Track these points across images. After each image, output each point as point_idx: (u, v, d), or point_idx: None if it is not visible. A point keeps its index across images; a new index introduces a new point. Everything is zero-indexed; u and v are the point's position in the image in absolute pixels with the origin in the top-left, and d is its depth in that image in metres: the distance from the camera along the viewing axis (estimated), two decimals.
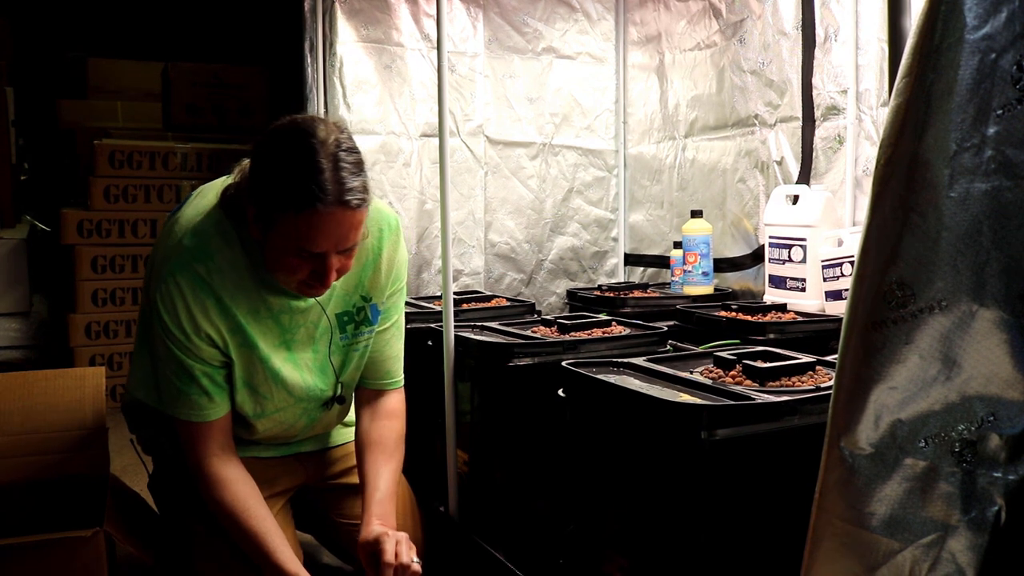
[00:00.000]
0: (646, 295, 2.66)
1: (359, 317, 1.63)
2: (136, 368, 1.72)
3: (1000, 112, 0.87)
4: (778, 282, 2.34)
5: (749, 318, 2.09)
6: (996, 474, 0.91)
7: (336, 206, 1.35)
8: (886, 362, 0.92)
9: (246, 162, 1.49)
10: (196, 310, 1.46)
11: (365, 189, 1.40)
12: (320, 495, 1.81)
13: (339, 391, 1.68)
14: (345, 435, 1.87)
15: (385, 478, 1.62)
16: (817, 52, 2.33)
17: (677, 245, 2.71)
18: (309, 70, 2.76)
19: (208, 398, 1.53)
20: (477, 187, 3.05)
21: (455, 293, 2.61)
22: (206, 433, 1.54)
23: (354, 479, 1.77)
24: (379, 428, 1.69)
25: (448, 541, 1.98)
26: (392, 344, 1.73)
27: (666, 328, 1.97)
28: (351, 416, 1.92)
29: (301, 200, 1.34)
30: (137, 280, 3.97)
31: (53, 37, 4.94)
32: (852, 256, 2.07)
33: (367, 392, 1.73)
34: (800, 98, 2.39)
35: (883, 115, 2.04)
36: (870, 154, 2.20)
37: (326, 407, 1.68)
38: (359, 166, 1.41)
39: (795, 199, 2.32)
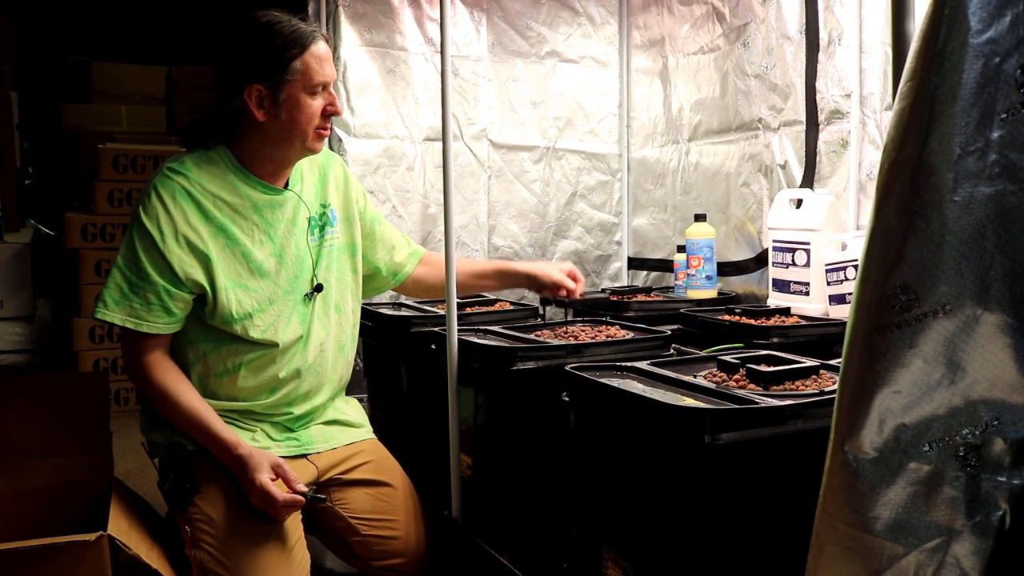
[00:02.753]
0: (649, 299, 2.66)
1: (322, 221, 1.90)
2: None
3: (1004, 116, 0.87)
4: (782, 286, 2.34)
5: (753, 322, 2.09)
6: (1000, 478, 0.90)
7: (323, 38, 1.75)
8: (890, 366, 0.92)
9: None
10: (177, 214, 1.69)
11: None
12: (326, 491, 1.83)
13: (315, 281, 1.85)
14: (352, 435, 1.93)
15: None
16: (821, 56, 2.33)
17: (681, 249, 2.71)
18: None
19: (148, 309, 1.67)
20: (480, 191, 3.06)
21: (458, 297, 2.61)
22: (144, 344, 1.70)
23: (360, 475, 1.86)
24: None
25: (452, 544, 1.98)
26: (387, 225, 2.09)
27: (669, 332, 1.96)
28: (354, 417, 1.98)
29: (305, 39, 1.70)
30: None
31: (57, 41, 4.96)
32: (856, 260, 2.07)
33: (416, 269, 2.12)
34: (804, 102, 2.39)
35: (887, 119, 2.04)
36: (874, 158, 2.20)
37: (309, 298, 1.83)
38: None
39: (799, 203, 2.32)
